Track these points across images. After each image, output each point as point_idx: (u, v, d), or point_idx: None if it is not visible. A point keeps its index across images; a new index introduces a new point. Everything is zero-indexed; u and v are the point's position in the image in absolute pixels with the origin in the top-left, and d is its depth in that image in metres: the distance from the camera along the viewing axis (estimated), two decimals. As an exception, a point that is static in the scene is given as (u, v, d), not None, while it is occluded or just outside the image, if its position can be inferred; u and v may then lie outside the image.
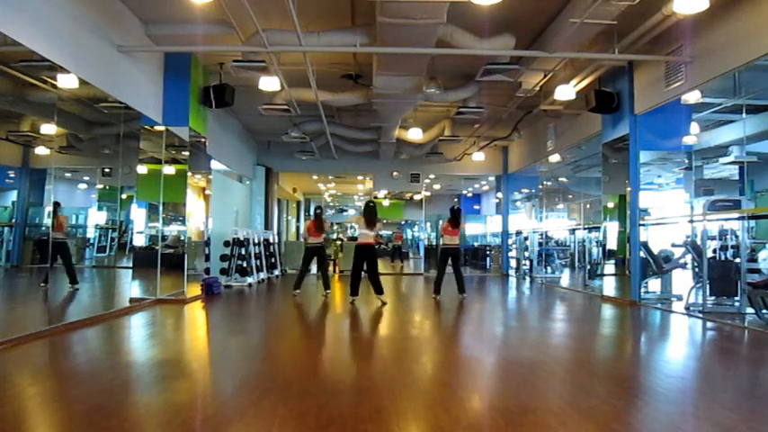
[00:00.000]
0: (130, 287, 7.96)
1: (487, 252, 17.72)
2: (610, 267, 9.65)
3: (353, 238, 21.67)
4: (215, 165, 10.83)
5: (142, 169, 8.28)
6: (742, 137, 9.17)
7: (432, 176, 17.30)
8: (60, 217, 7.01)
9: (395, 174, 15.80)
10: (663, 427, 3.09)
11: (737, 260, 7.36)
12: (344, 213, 31.84)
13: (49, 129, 6.50)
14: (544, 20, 7.22)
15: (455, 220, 9.14)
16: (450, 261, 9.15)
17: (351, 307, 8.05)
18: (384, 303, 8.19)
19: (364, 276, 8.69)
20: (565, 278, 14.00)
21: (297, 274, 9.80)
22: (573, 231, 14.71)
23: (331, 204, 30.34)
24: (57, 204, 6.86)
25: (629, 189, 8.63)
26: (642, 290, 8.55)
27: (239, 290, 10.38)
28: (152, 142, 8.17)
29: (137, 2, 7.01)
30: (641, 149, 8.51)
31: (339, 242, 18.12)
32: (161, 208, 8.15)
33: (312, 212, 9.98)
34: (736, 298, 7.26)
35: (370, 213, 8.56)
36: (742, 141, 9.31)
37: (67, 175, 7.70)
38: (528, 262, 14.43)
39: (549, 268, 14.37)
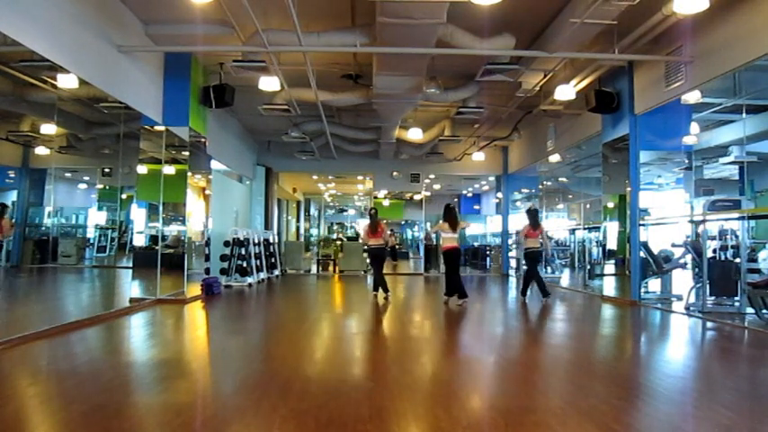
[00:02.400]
0: (130, 287, 7.96)
1: (487, 252, 17.71)
2: (610, 267, 9.65)
3: (353, 239, 21.74)
4: (215, 165, 10.82)
5: (142, 169, 8.27)
6: (742, 137, 9.17)
7: (432, 176, 17.29)
8: (3, 220, 6.43)
9: (395, 174, 15.79)
10: (663, 427, 3.09)
11: (737, 260, 7.36)
12: (344, 213, 31.81)
13: (49, 129, 6.50)
14: (544, 20, 7.22)
15: (534, 221, 9.03)
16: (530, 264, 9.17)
17: (445, 307, 8.08)
18: (462, 303, 8.20)
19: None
20: (565, 278, 14.00)
21: (373, 279, 9.45)
22: (573, 231, 14.71)
23: (331, 204, 30.33)
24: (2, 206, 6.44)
25: (629, 189, 8.62)
26: (642, 290, 8.54)
27: (239, 290, 10.38)
28: (152, 142, 8.17)
29: (137, 2, 7.00)
30: (641, 149, 8.51)
31: (339, 242, 18.13)
32: (161, 208, 8.15)
33: (368, 214, 9.65)
34: (736, 298, 7.26)
35: (453, 215, 8.53)
36: (742, 141, 9.31)
37: (67, 175, 7.70)
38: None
39: (548, 268, 14.37)
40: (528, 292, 9.18)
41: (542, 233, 9.11)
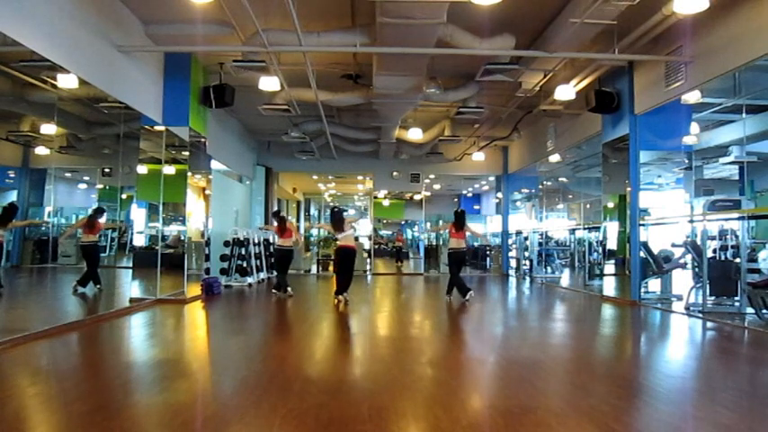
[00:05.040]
0: (130, 287, 7.96)
1: (487, 252, 17.70)
2: (610, 267, 9.65)
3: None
4: (215, 165, 10.83)
5: (142, 169, 8.28)
6: (742, 137, 9.17)
7: (432, 176, 17.28)
8: (98, 223, 7.37)
9: (395, 174, 15.80)
10: (663, 427, 3.09)
11: (737, 260, 7.36)
12: (345, 213, 31.81)
13: (49, 129, 6.51)
14: (544, 20, 7.22)
15: (459, 222, 9.00)
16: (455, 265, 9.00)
17: (338, 305, 8.05)
18: (346, 302, 8.26)
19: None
20: (565, 278, 14.00)
21: (276, 281, 9.67)
22: (573, 231, 14.71)
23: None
24: (99, 210, 7.57)
25: (629, 189, 8.62)
26: (642, 290, 8.54)
27: (239, 290, 10.38)
28: (152, 142, 8.17)
29: (137, 2, 7.00)
30: (641, 149, 8.51)
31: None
32: (161, 208, 8.15)
33: (276, 217, 10.10)
34: (736, 298, 7.26)
35: (335, 219, 8.67)
36: (742, 141, 9.31)
37: (67, 175, 7.71)
38: (528, 262, 14.43)
39: (549, 268, 14.36)
40: (453, 291, 8.92)
41: (466, 235, 9.02)
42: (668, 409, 3.40)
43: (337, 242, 8.70)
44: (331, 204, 25.85)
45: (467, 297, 8.55)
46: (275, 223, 9.82)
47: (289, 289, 9.29)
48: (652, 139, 8.53)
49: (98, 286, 7.60)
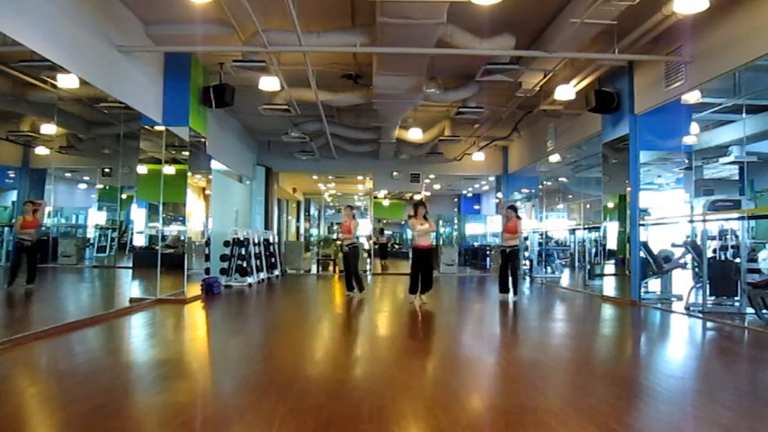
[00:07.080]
0: (130, 287, 7.96)
1: (487, 252, 17.71)
2: (610, 267, 9.64)
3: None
4: (215, 165, 10.82)
5: (142, 169, 8.27)
6: (742, 137, 9.17)
7: (432, 176, 17.29)
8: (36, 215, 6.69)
9: (395, 174, 15.80)
10: (663, 427, 3.09)
11: (737, 260, 7.35)
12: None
13: (49, 129, 6.50)
14: (544, 20, 7.22)
15: (506, 219, 8.85)
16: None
17: (410, 306, 8.06)
18: (423, 302, 8.25)
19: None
20: (565, 278, 13.99)
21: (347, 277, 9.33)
22: (573, 231, 14.70)
23: (331, 204, 30.29)
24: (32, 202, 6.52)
25: (629, 189, 8.62)
26: (642, 290, 8.54)
27: (239, 290, 10.37)
28: (152, 142, 8.17)
29: (137, 2, 7.00)
30: (641, 149, 8.51)
31: (339, 242, 18.13)
32: (161, 208, 8.15)
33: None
34: (736, 298, 7.26)
35: (418, 210, 8.50)
36: (742, 141, 9.31)
37: (67, 175, 7.71)
38: (528, 262, 14.42)
39: (549, 268, 14.36)
40: (511, 290, 8.86)
41: (517, 231, 8.92)
42: (668, 409, 3.40)
43: (413, 240, 8.59)
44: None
45: (514, 298, 8.50)
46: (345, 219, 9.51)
47: (354, 291, 9.04)
48: (652, 139, 8.53)
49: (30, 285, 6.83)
